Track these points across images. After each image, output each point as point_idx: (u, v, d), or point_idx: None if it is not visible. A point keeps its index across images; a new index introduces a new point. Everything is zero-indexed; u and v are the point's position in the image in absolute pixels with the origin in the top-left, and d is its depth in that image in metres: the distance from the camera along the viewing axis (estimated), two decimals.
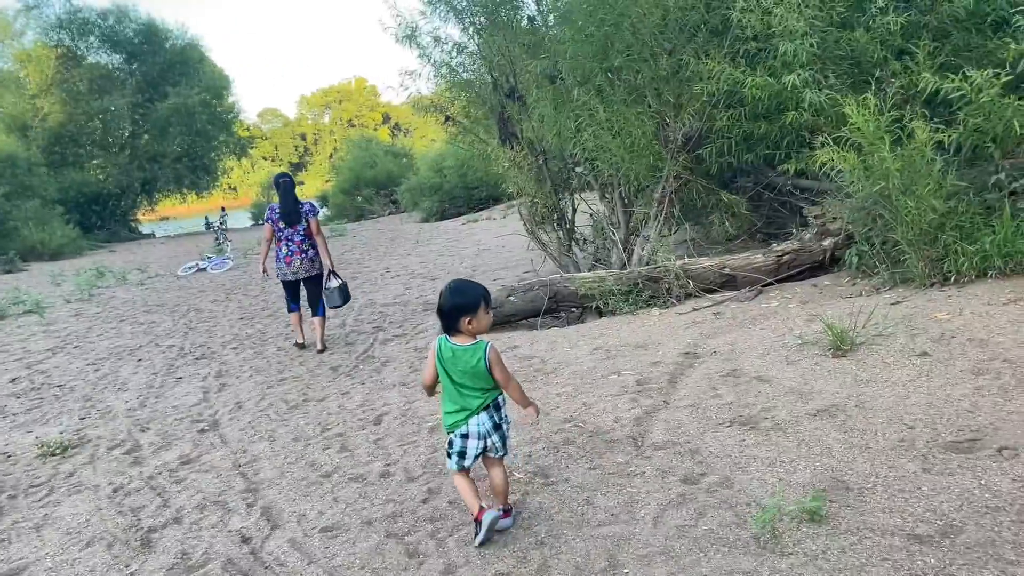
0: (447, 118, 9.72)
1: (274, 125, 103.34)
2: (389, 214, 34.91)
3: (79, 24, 34.00)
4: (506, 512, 3.34)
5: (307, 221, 7.73)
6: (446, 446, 3.32)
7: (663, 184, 7.12)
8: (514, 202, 27.64)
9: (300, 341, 8.24)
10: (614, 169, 7.13)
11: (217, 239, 23.00)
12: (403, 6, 10.51)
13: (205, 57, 38.10)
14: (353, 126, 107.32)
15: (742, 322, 5.66)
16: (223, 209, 35.29)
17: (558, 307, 7.33)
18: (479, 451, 3.22)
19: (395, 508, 3.69)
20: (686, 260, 6.70)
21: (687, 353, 5.16)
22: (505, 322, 7.55)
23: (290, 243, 7.70)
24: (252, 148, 44.35)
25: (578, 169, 7.74)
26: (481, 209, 28.60)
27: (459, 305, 3.17)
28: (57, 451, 5.54)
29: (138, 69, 35.63)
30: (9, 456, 5.65)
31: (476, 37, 8.84)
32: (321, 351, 7.87)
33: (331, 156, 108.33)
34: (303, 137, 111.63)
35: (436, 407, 5.10)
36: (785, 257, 6.51)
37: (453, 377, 3.18)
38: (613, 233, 7.46)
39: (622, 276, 6.89)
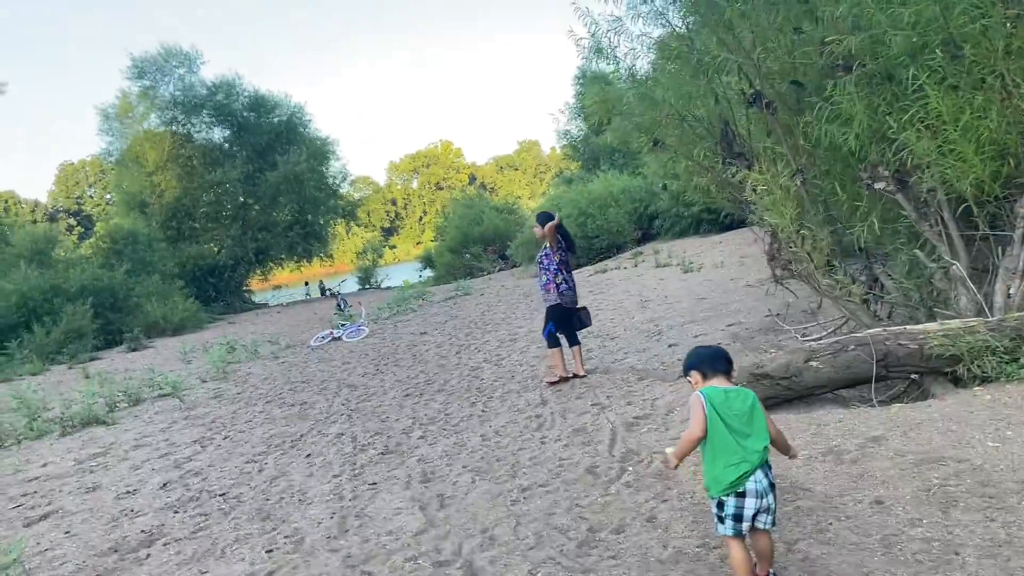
0: (655, 142, 7.95)
1: (365, 193, 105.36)
2: (499, 270, 33.59)
3: (191, 102, 34.41)
4: None
5: None
6: (714, 509, 3.05)
7: None
8: (640, 249, 26.00)
9: (565, 374, 8.31)
10: (955, 178, 5.13)
11: (339, 305, 21.93)
12: (597, 11, 8.99)
13: (310, 124, 38.11)
14: (441, 188, 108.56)
15: None
16: (307, 284, 34.82)
17: (888, 374, 5.30)
18: (756, 511, 2.94)
19: None
20: None
21: None
22: (804, 396, 5.57)
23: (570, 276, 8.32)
24: (359, 209, 44.03)
25: (878, 185, 5.76)
26: (604, 258, 26.84)
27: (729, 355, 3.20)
28: None
29: (248, 140, 35.75)
30: None
31: (703, 36, 7.10)
32: (584, 376, 8.27)
33: (420, 219, 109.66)
34: (393, 202, 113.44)
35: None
36: None
37: (730, 423, 2.97)
38: (956, 267, 5.42)
39: (1000, 326, 4.83)
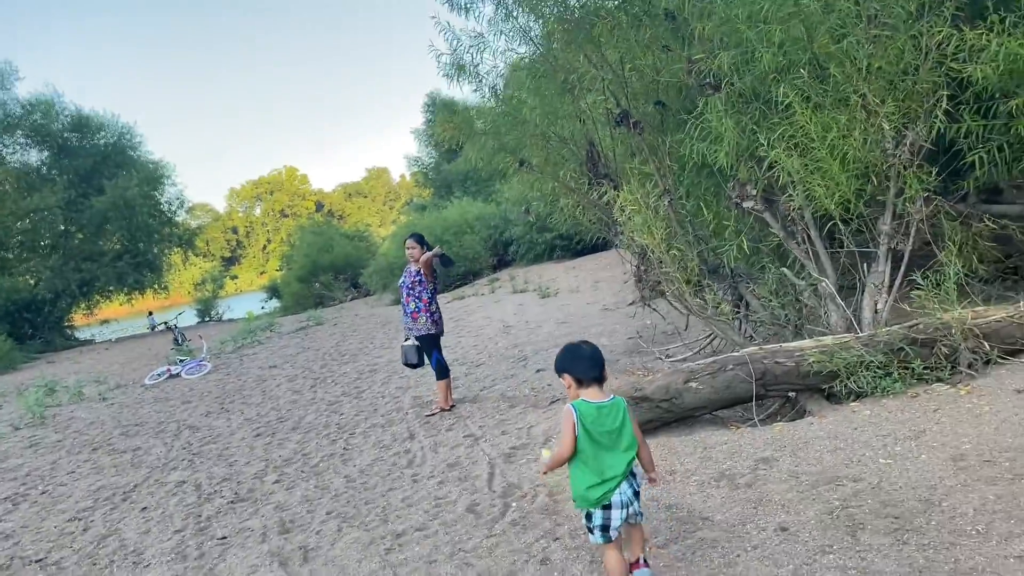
0: (521, 163, 7.74)
1: (204, 220, 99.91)
2: (351, 299, 32.59)
3: (3, 121, 31.15)
4: (646, 563, 3.21)
5: None
6: (584, 520, 3.13)
7: (892, 211, 5.24)
8: (496, 275, 25.99)
9: (446, 407, 7.88)
10: (823, 196, 5.20)
11: (176, 340, 20.31)
12: (458, 26, 8.52)
13: (141, 146, 35.44)
14: (286, 215, 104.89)
15: None
16: (150, 315, 32.35)
17: (766, 393, 5.26)
18: (622, 520, 3.02)
19: None
20: (972, 312, 4.77)
21: None
22: (684, 418, 5.44)
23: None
24: (197, 237, 41.25)
25: (746, 204, 5.80)
26: (461, 285, 26.60)
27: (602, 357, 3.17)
28: None
29: (69, 164, 32.74)
30: None
31: (569, 54, 6.98)
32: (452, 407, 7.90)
33: (264, 248, 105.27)
34: (234, 230, 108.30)
35: None
36: None
37: (600, 440, 3.00)
38: (825, 284, 5.48)
39: (872, 341, 4.89)
